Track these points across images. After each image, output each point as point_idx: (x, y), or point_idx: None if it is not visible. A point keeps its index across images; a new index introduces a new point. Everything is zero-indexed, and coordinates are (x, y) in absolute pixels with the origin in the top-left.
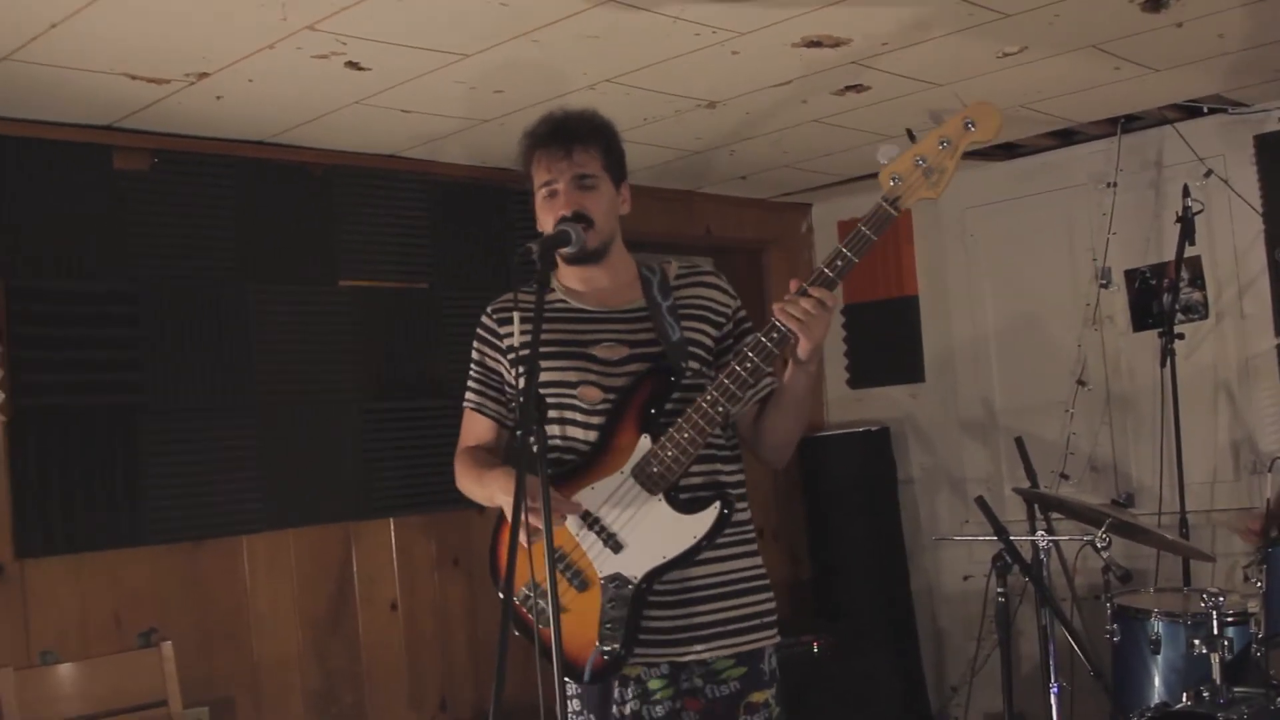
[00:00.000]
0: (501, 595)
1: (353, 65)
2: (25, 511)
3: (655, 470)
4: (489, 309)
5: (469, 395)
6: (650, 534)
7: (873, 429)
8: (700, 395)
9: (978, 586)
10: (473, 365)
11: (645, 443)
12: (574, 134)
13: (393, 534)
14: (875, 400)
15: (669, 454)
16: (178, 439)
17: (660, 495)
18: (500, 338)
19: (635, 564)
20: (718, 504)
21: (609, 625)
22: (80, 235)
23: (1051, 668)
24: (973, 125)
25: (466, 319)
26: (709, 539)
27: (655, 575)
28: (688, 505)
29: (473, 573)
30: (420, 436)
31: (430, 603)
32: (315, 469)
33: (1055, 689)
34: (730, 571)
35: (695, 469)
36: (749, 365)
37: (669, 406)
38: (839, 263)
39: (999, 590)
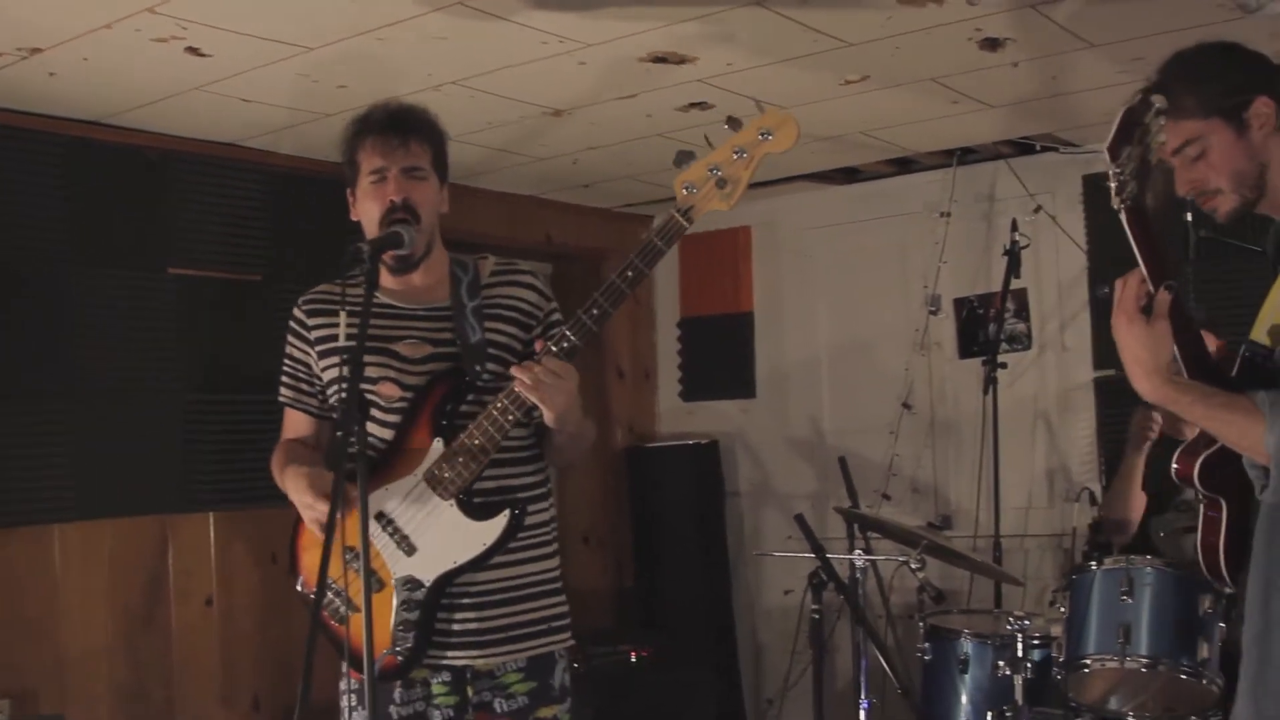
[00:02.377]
0: (300, 590)
1: (193, 51)
2: None
3: (446, 475)
4: (300, 301)
5: (281, 389)
6: (441, 538)
7: (702, 442)
8: (493, 401)
9: (798, 601)
10: (284, 359)
11: (438, 446)
12: (411, 126)
13: (211, 528)
14: (706, 414)
15: (460, 459)
16: None
17: (451, 500)
18: (309, 329)
19: (427, 567)
20: (507, 512)
21: (401, 627)
22: None
23: (863, 684)
24: (769, 135)
25: None
26: (498, 546)
27: (446, 580)
28: (479, 511)
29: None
30: (245, 430)
31: (247, 599)
32: (134, 459)
33: (865, 705)
34: (520, 576)
35: (490, 473)
36: None
37: (463, 409)
38: (630, 273)
39: (813, 607)
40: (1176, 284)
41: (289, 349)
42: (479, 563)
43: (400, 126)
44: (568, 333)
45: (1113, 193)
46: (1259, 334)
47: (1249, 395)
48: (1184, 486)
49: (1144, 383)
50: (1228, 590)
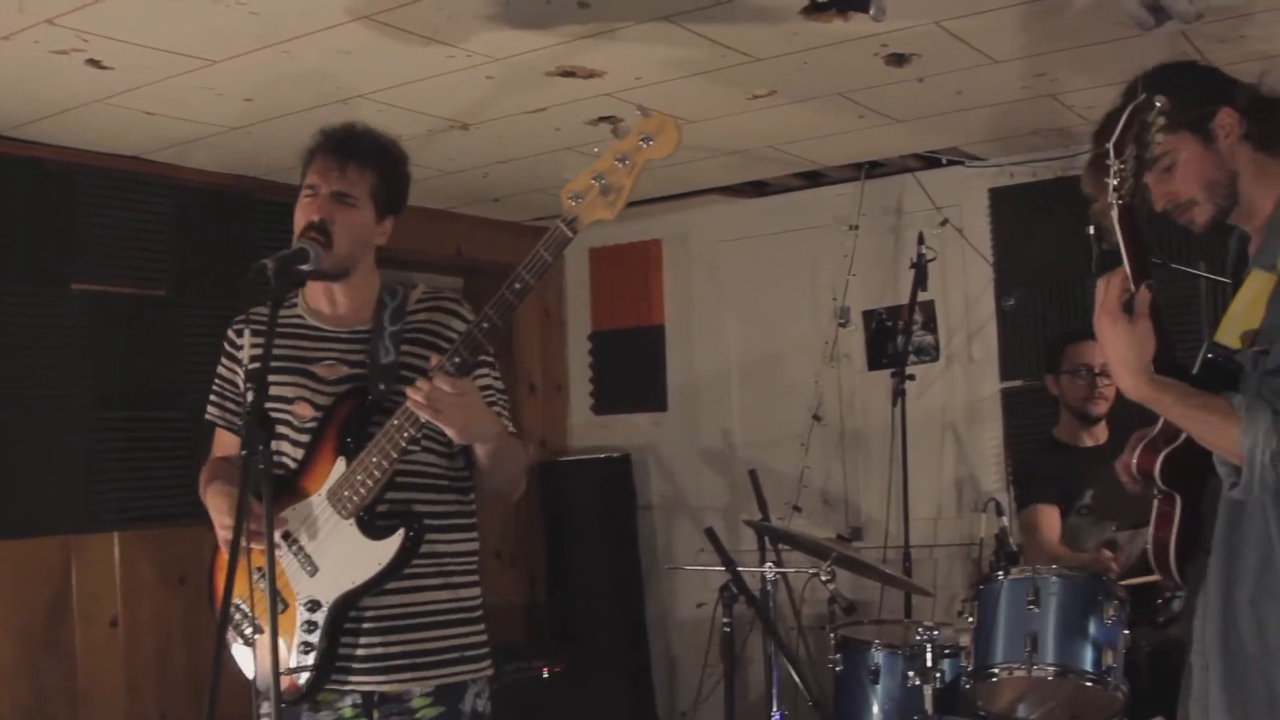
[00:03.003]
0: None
1: (94, 63)
2: None
3: (346, 494)
4: (234, 320)
5: (210, 408)
6: (341, 559)
7: (614, 455)
8: (389, 419)
9: (709, 614)
10: (215, 377)
11: (340, 465)
12: (354, 152)
13: (117, 548)
14: (618, 427)
15: (358, 478)
16: None
17: (351, 519)
18: (238, 349)
19: (327, 589)
20: (401, 531)
21: (303, 647)
22: None
23: (775, 696)
24: (649, 141)
25: (207, 328)
26: (394, 567)
27: (347, 602)
28: (376, 531)
29: (200, 591)
30: (152, 448)
31: (153, 621)
32: (36, 478)
33: (778, 716)
34: (431, 603)
35: (398, 496)
36: None
37: (371, 430)
38: (517, 285)
39: (724, 620)
40: (1156, 284)
41: (220, 368)
42: (377, 583)
43: (343, 150)
44: (460, 348)
45: (1111, 189)
46: (1225, 337)
47: (1226, 397)
48: (1143, 480)
49: (1127, 380)
50: (1170, 594)
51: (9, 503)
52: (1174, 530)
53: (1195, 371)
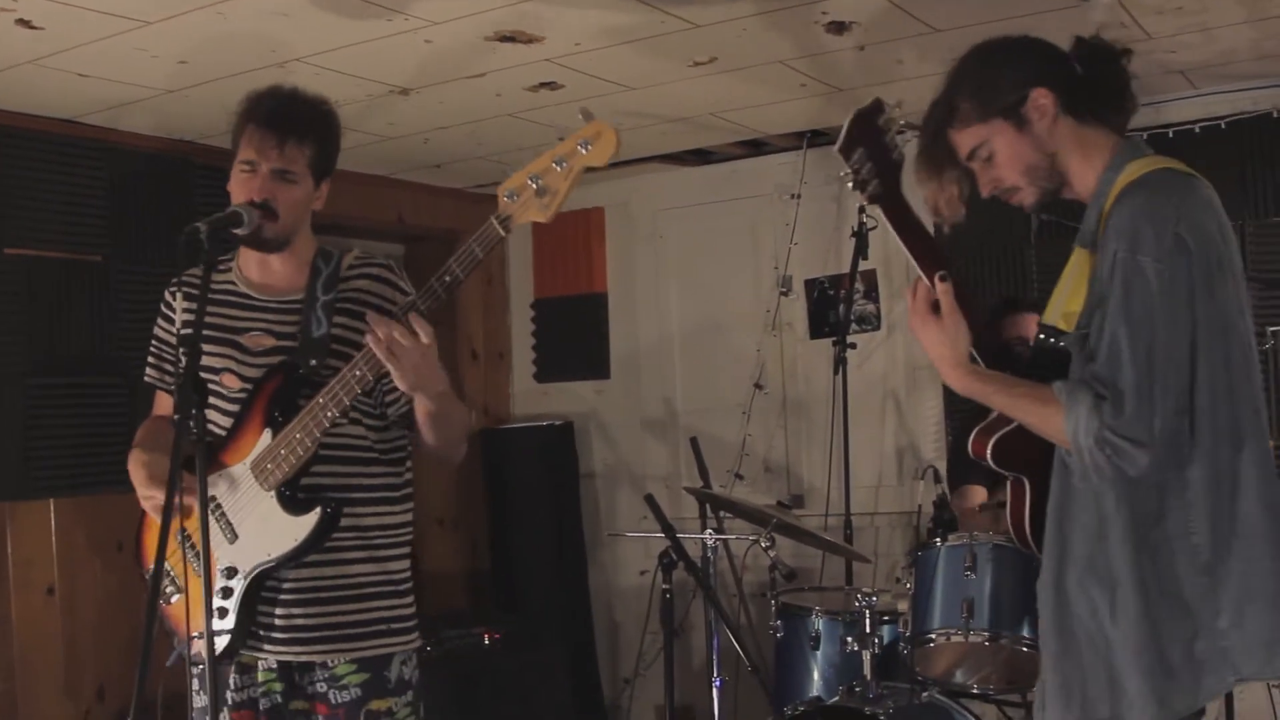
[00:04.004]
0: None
1: (24, 23)
2: None
3: (270, 466)
4: (171, 281)
5: (148, 369)
6: (260, 530)
7: (557, 423)
8: (314, 396)
9: (651, 582)
10: (152, 339)
11: (266, 438)
12: (292, 127)
13: (53, 515)
14: (560, 395)
15: (282, 452)
16: None
17: (271, 492)
18: (174, 310)
19: (245, 557)
20: (319, 509)
21: (219, 612)
22: None
23: (715, 662)
24: (588, 146)
25: (142, 294)
26: (310, 544)
27: (264, 571)
28: (296, 506)
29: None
30: (88, 414)
31: (91, 588)
32: None
33: (719, 683)
34: (353, 575)
35: (323, 469)
36: (357, 374)
37: (300, 404)
38: (447, 278)
39: (664, 587)
40: (949, 272)
41: (156, 329)
42: (293, 557)
43: (281, 125)
44: (416, 300)
45: (852, 189)
46: (1051, 317)
47: (1050, 384)
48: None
49: (950, 376)
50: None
51: None
52: (1026, 510)
53: (1031, 354)
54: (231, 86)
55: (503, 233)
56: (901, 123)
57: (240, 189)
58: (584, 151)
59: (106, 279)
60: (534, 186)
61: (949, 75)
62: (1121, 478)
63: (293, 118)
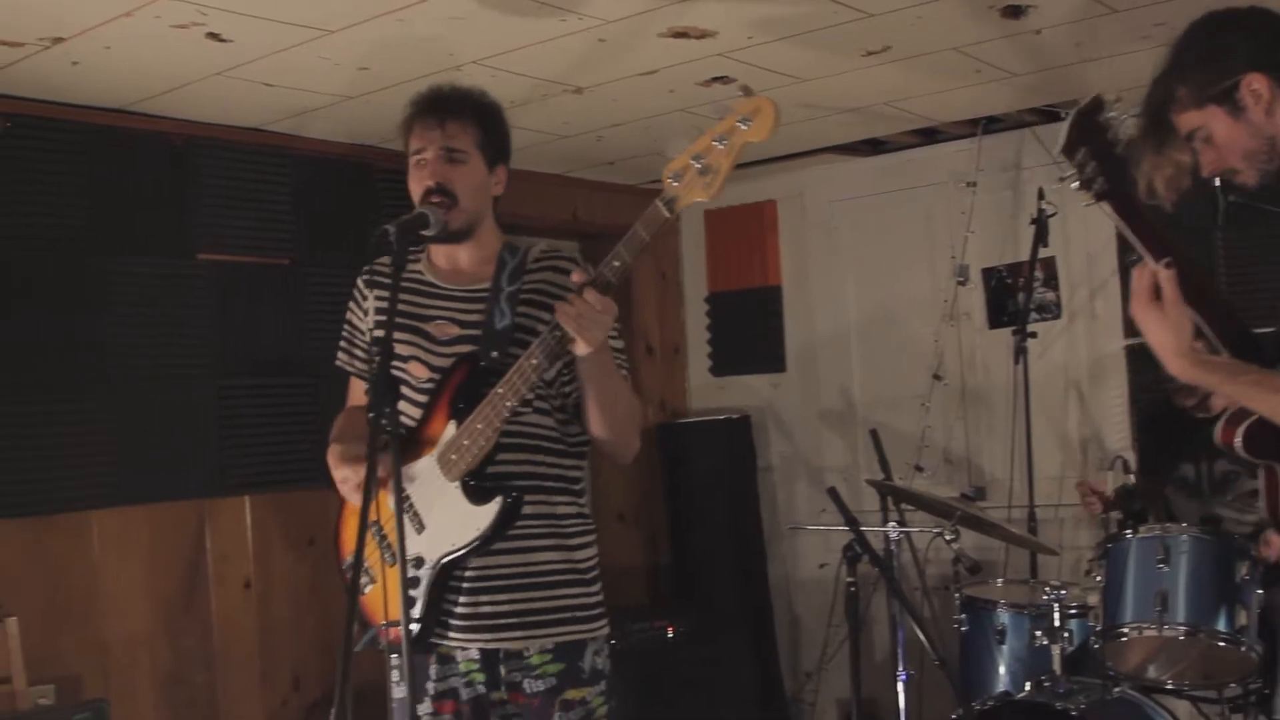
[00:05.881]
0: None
1: (213, 36)
2: None
3: (454, 457)
4: (363, 269)
5: (339, 354)
6: (445, 521)
7: (734, 417)
8: (494, 387)
9: (832, 574)
10: (344, 325)
11: (451, 429)
12: (450, 108)
13: (248, 512)
14: (737, 388)
15: (465, 442)
16: (25, 412)
17: (456, 483)
18: (365, 298)
19: (432, 548)
20: (499, 499)
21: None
22: None
23: (900, 656)
24: (747, 123)
25: (328, 296)
26: (492, 533)
27: (449, 561)
28: (479, 495)
29: (328, 553)
30: (278, 413)
31: (284, 582)
32: (169, 445)
33: (904, 676)
34: (539, 564)
35: (509, 457)
36: (534, 362)
37: (484, 394)
38: (616, 262)
39: (849, 580)
40: (1173, 260)
41: (349, 315)
42: (477, 547)
43: (439, 108)
44: (605, 269)
45: (1077, 189)
46: None
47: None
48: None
49: (1173, 365)
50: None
51: (145, 468)
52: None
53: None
54: (410, 91)
55: (667, 214)
56: (1124, 117)
57: (416, 181)
58: (744, 127)
59: (295, 282)
60: (697, 166)
61: (1168, 54)
62: None
63: (449, 100)
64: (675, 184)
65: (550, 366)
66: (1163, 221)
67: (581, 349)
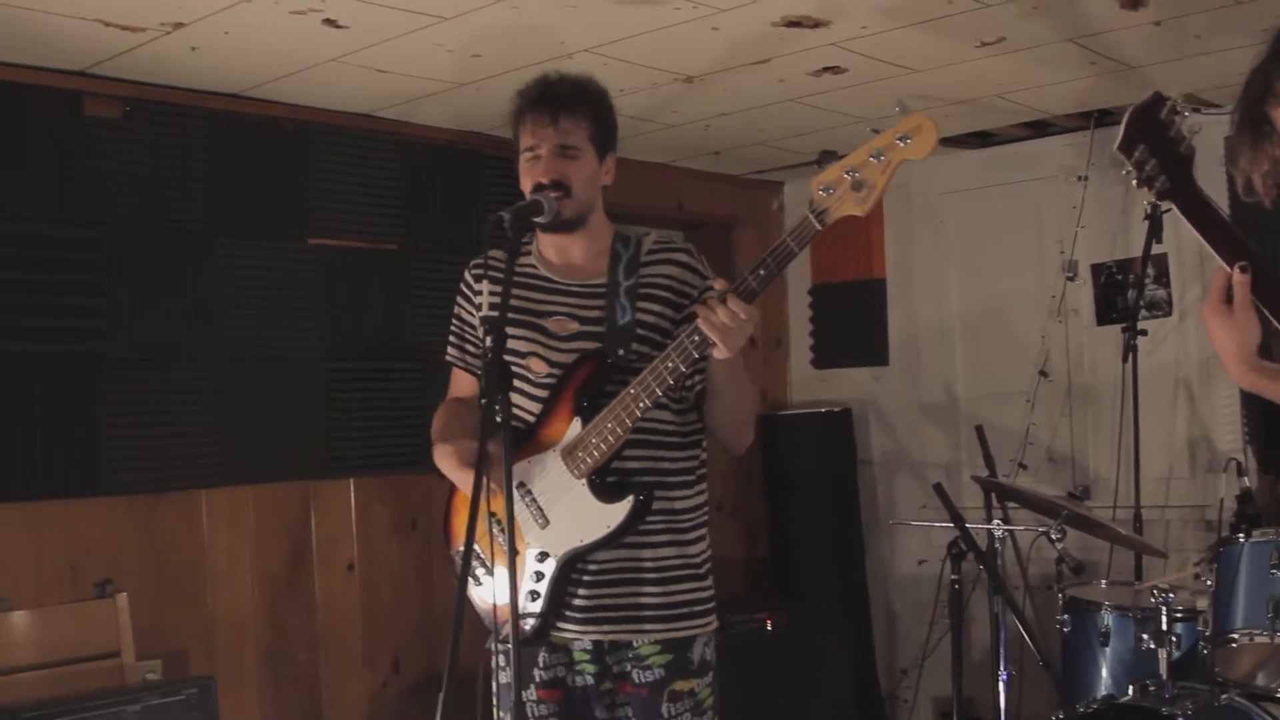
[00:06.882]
0: (451, 552)
1: (330, 23)
2: None
3: (580, 454)
4: (470, 264)
5: (449, 349)
6: (571, 516)
7: (835, 410)
8: (625, 387)
9: (931, 571)
10: (452, 319)
11: (576, 426)
12: (562, 101)
13: (352, 494)
14: (838, 381)
15: (593, 440)
16: (139, 390)
17: (584, 480)
18: (475, 293)
19: (557, 542)
20: (631, 498)
21: (530, 595)
22: (48, 180)
23: (1002, 655)
24: (907, 140)
25: (435, 282)
26: (622, 531)
27: (575, 557)
28: (608, 493)
29: (430, 537)
30: (384, 398)
31: (387, 565)
32: (277, 426)
33: (1005, 676)
34: (659, 559)
35: (632, 453)
36: (669, 365)
37: (609, 389)
38: (761, 271)
39: (953, 577)
40: (1249, 264)
41: (457, 309)
42: (604, 544)
43: (551, 102)
44: (748, 276)
45: (1137, 187)
46: None
47: None
48: None
49: (1233, 370)
50: None
51: (254, 448)
52: None
53: None
54: (520, 78)
55: (819, 227)
56: (1187, 112)
57: (527, 176)
58: (903, 145)
59: (402, 267)
60: (849, 180)
61: (1267, 45)
62: None
63: (561, 94)
64: (826, 195)
65: (688, 371)
66: (1230, 224)
67: (721, 354)
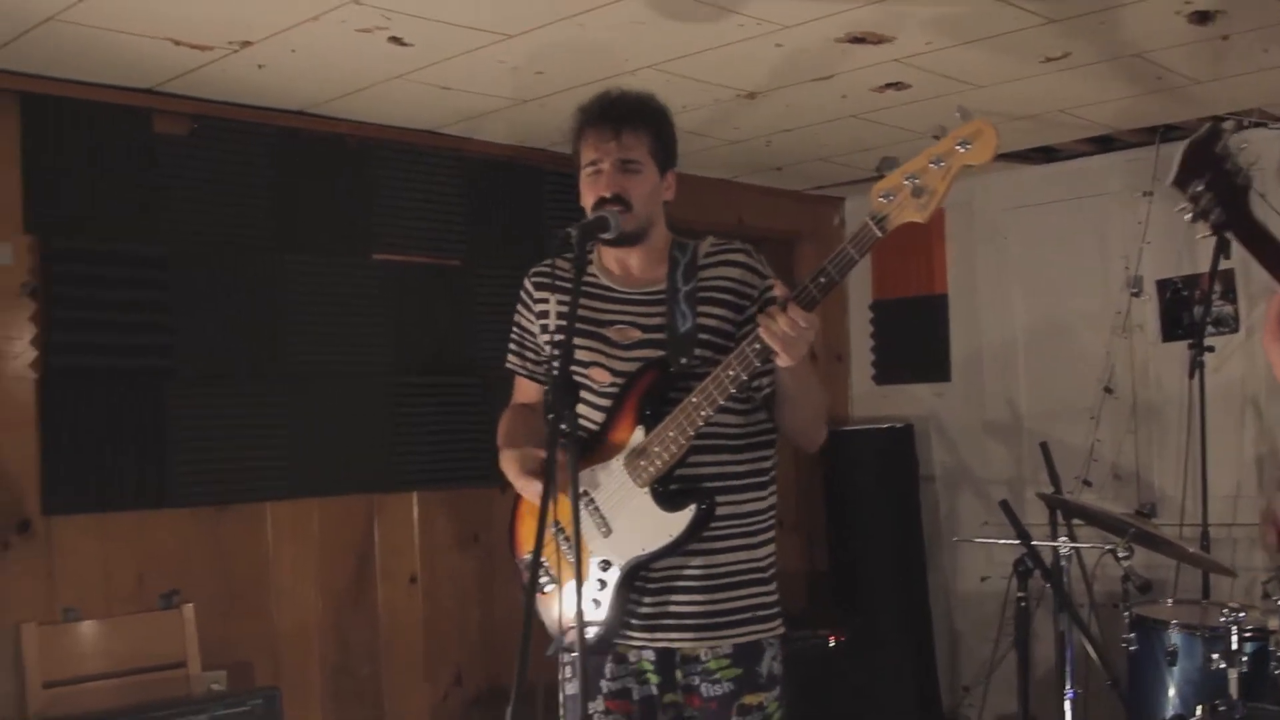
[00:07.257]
0: (516, 560)
1: (395, 40)
2: (54, 469)
3: (643, 464)
4: (530, 272)
5: (509, 356)
6: (634, 525)
7: (897, 426)
8: (688, 395)
9: (994, 588)
10: (513, 327)
11: (639, 435)
12: (623, 117)
13: (415, 508)
14: (900, 397)
15: (655, 449)
16: (206, 404)
17: (645, 489)
18: (535, 301)
19: (620, 551)
20: (693, 506)
21: (593, 604)
22: (118, 198)
23: (1068, 674)
24: (968, 145)
25: (498, 297)
26: (684, 539)
27: (638, 565)
28: (670, 501)
29: (492, 550)
30: (447, 412)
31: (449, 578)
32: (342, 440)
33: (1071, 695)
34: (724, 565)
35: (697, 458)
36: (731, 374)
37: (672, 395)
38: (822, 279)
39: (1019, 594)
40: None
41: (517, 317)
42: (667, 552)
43: (612, 118)
44: (810, 285)
45: (1191, 221)
46: None
47: None
48: None
49: None
50: None
51: (319, 462)
52: None
53: None
54: (582, 95)
55: (879, 234)
56: (1243, 145)
57: (589, 191)
58: (963, 150)
59: (464, 282)
60: (909, 186)
61: None
62: None
63: (623, 109)
64: (887, 202)
65: (749, 379)
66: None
67: (784, 362)
